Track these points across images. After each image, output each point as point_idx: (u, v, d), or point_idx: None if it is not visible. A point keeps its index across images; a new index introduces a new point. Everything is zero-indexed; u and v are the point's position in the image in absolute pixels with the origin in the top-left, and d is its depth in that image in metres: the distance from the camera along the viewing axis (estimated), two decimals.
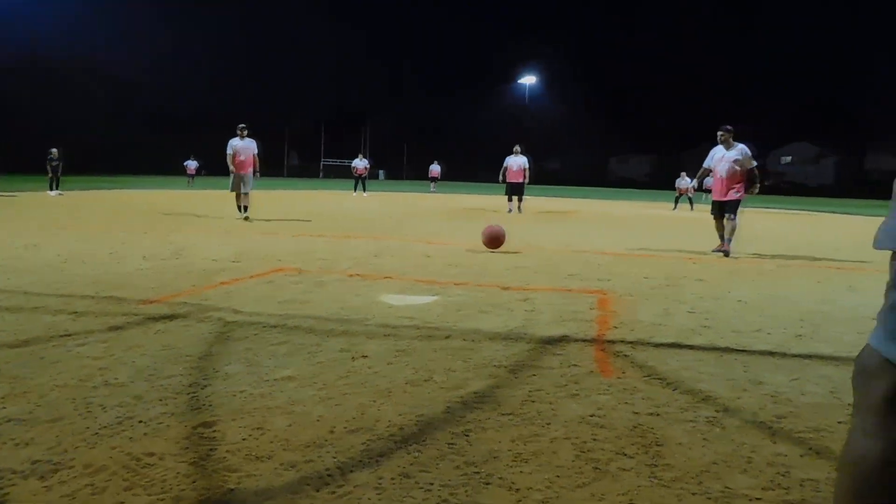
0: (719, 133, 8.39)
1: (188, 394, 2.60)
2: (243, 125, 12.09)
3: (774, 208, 27.06)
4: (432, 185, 34.84)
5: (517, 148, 17.22)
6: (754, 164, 8.35)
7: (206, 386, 2.70)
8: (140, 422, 2.30)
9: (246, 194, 11.79)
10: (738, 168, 8.22)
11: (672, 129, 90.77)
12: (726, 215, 8.28)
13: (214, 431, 2.25)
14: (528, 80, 60.35)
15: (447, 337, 3.61)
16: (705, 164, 8.73)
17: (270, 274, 5.62)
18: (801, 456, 2.19)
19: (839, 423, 2.49)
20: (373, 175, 52.24)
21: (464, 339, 3.57)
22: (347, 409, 2.49)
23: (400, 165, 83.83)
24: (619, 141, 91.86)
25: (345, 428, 2.30)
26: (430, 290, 5.04)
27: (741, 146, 8.24)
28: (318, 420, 2.37)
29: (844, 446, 1.11)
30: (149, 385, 2.68)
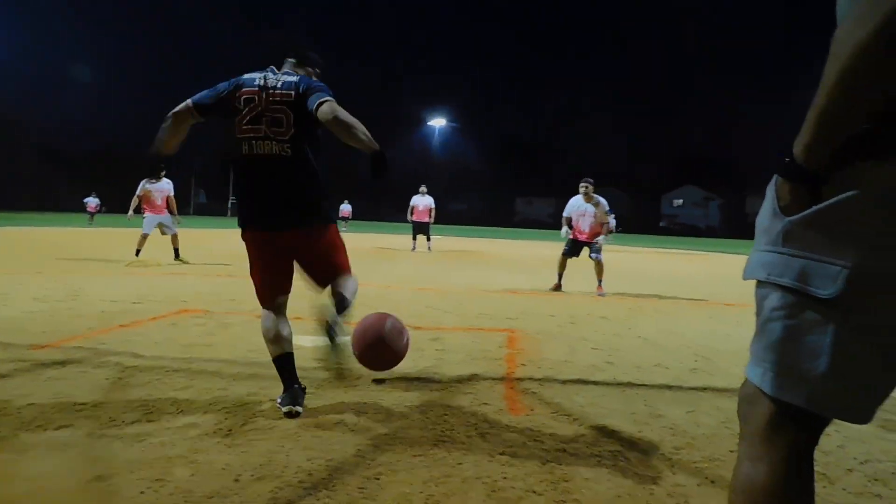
0: (581, 185, 8.89)
1: (81, 445, 2.43)
2: (162, 165, 11.71)
3: (668, 248, 28.65)
4: (344, 224, 34.63)
5: (423, 188, 17.47)
6: (609, 218, 8.98)
7: (101, 436, 2.53)
8: (25, 479, 2.13)
9: (174, 235, 11.31)
10: (595, 220, 8.82)
11: (572, 172, 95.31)
12: (593, 255, 8.77)
13: (109, 485, 2.11)
14: (438, 122, 61.71)
15: (357, 378, 3.57)
16: (566, 214, 9.09)
17: (174, 315, 5.37)
18: (698, 485, 2.30)
19: (731, 451, 2.64)
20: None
21: (374, 381, 3.54)
22: (254, 455, 2.40)
23: None
24: (523, 182, 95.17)
25: (251, 476, 2.22)
26: (342, 331, 4.97)
27: (601, 200, 8.84)
28: (223, 469, 2.27)
29: (734, 473, 1.19)
30: (36, 437, 2.49)
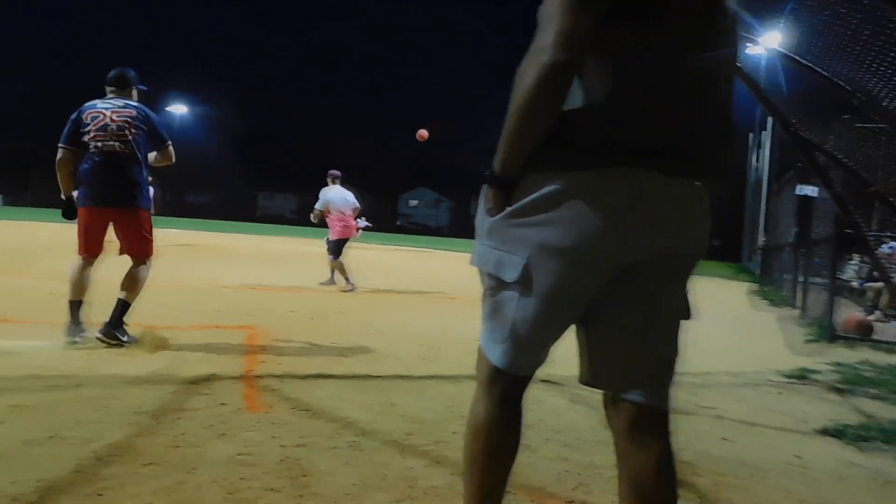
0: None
1: None
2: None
3: (403, 246, 30.19)
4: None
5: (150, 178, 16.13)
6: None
7: None
8: None
9: None
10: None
11: (314, 169, 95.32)
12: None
13: None
14: (178, 108, 56.96)
15: (79, 385, 3.23)
16: (318, 206, 9.23)
17: None
18: (426, 466, 2.53)
19: (454, 433, 2.94)
20: None
21: (99, 386, 3.23)
22: None
23: (24, 190, 69.79)
24: (265, 177, 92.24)
25: None
26: (59, 333, 4.42)
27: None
28: None
29: (469, 415, 1.49)
30: None
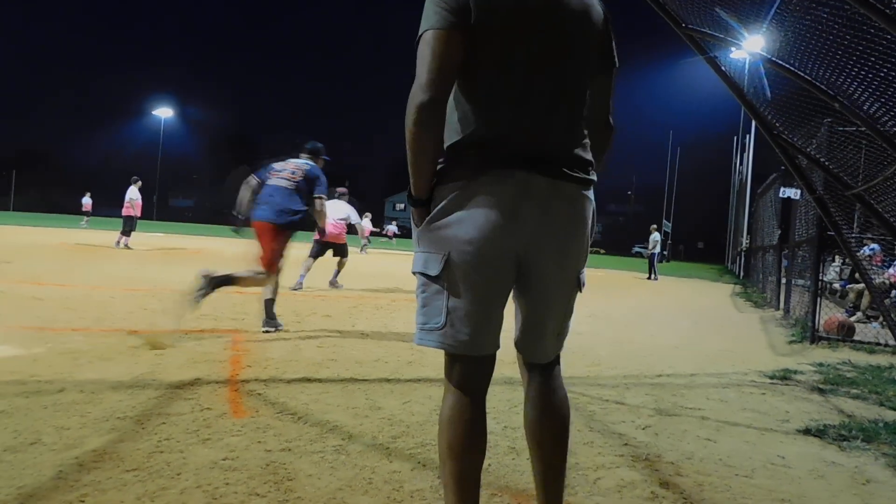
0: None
1: None
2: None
3: (389, 249, 30.14)
4: (84, 219, 29.69)
5: (139, 182, 16.11)
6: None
7: None
8: None
9: None
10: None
11: None
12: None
13: None
14: (164, 112, 56.57)
15: (60, 391, 3.19)
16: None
17: None
18: (412, 469, 2.53)
19: None
20: None
21: (81, 392, 3.20)
22: None
23: (7, 193, 68.85)
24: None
25: None
26: (40, 338, 4.37)
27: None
28: None
29: (440, 418, 1.68)
30: None
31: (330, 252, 9.71)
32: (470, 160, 1.60)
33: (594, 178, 1.74)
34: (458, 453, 1.61)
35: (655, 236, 20.22)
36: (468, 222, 1.57)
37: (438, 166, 1.63)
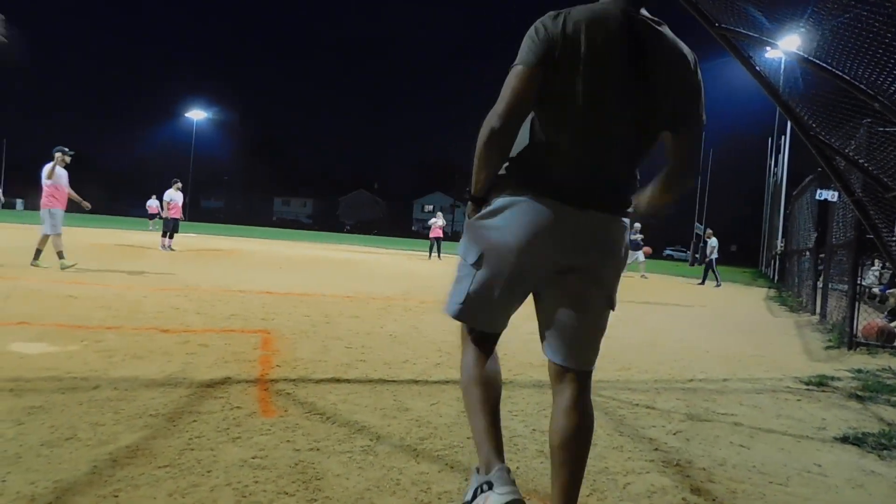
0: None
1: None
2: (65, 148, 9.52)
3: (417, 251, 30.18)
4: (151, 223, 30.23)
5: (178, 183, 16.39)
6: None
7: None
8: None
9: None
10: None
11: (330, 173, 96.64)
12: None
13: None
14: (196, 114, 57.71)
15: (95, 387, 3.26)
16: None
17: None
18: (440, 471, 2.53)
19: (467, 438, 2.93)
20: (9, 205, 44.20)
21: (115, 389, 3.26)
22: None
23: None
24: (281, 182, 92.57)
25: None
26: (76, 336, 4.47)
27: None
28: None
29: (461, 366, 2.00)
30: None
31: None
32: (520, 178, 1.85)
33: (628, 212, 1.92)
34: (480, 390, 1.90)
35: (714, 242, 19.90)
36: (505, 231, 1.83)
37: (500, 171, 1.87)
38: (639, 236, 19.93)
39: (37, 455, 2.37)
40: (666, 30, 1.84)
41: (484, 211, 1.88)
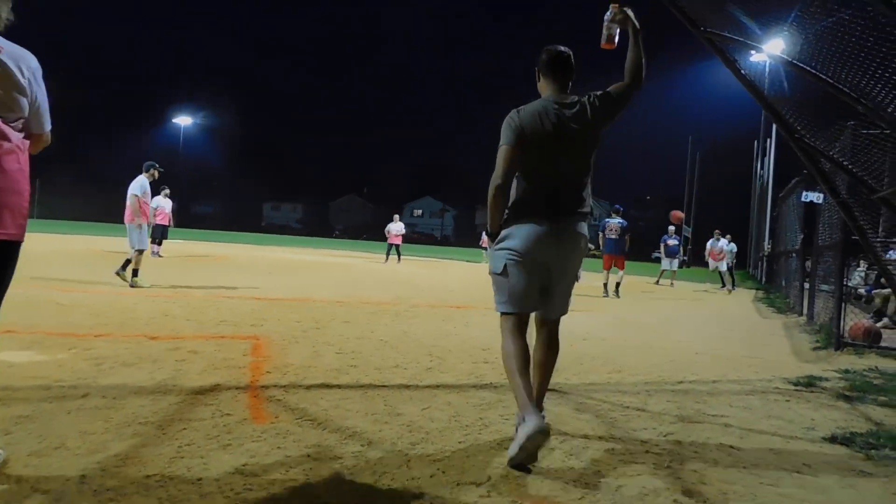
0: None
1: None
2: (155, 163, 9.32)
3: (407, 255, 30.17)
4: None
5: (167, 190, 16.29)
6: None
7: None
8: None
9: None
10: None
11: (319, 179, 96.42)
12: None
13: None
14: (183, 120, 57.43)
15: (84, 396, 3.23)
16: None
17: None
18: (431, 476, 2.52)
19: (459, 442, 2.94)
20: None
21: (104, 397, 3.24)
22: None
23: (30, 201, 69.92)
24: (270, 187, 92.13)
25: None
26: (65, 344, 4.43)
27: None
28: None
29: (501, 350, 2.93)
30: None
31: None
32: (520, 211, 2.90)
33: (586, 218, 2.98)
34: (516, 363, 2.80)
35: (732, 247, 19.89)
36: (516, 240, 2.86)
37: (505, 214, 2.92)
38: (674, 241, 18.93)
39: (24, 466, 2.34)
40: (574, 99, 2.92)
41: (500, 237, 2.92)
